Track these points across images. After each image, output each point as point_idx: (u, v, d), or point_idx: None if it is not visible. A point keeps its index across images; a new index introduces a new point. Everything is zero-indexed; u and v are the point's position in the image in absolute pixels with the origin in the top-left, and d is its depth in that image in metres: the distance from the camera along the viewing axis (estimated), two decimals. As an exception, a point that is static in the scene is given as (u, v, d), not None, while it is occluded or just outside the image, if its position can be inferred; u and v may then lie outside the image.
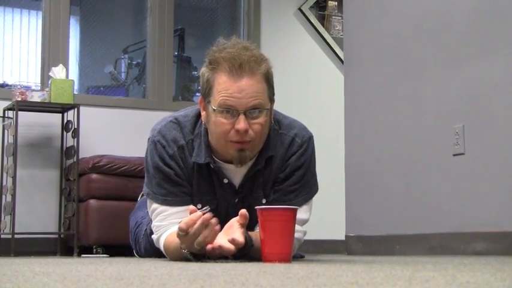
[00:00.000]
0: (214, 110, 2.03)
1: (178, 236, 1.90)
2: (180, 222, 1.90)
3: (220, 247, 1.88)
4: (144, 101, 5.18)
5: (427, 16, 3.33)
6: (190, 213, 1.90)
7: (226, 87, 2.01)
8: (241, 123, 2.00)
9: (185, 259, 1.97)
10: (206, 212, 1.89)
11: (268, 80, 2.07)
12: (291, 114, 2.34)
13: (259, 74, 2.03)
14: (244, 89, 2.00)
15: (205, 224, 1.86)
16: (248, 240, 2.01)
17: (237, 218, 1.93)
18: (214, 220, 1.88)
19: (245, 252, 2.00)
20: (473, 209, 2.96)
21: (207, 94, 2.07)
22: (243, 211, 1.92)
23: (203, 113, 2.12)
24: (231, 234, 1.91)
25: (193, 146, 2.16)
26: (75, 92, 4.53)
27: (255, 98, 2.01)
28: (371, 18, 3.75)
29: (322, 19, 5.69)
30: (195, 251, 1.92)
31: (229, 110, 2.01)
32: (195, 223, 1.86)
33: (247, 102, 2.01)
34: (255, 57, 2.03)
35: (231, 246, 1.88)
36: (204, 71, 2.08)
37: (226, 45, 2.05)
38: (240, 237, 1.89)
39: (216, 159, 2.15)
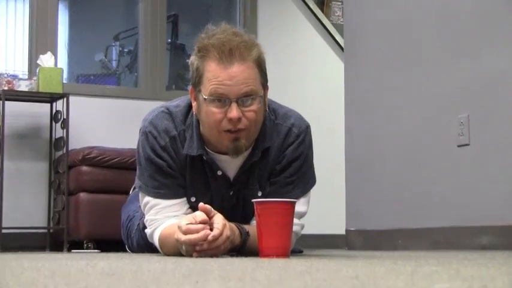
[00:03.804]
0: (205, 99, 2.03)
1: (179, 228, 1.92)
2: (185, 222, 1.92)
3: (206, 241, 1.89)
4: (136, 90, 5.17)
5: (432, 1, 3.33)
6: (201, 209, 1.92)
7: (216, 74, 2.01)
8: (234, 112, 2.00)
9: (180, 254, 1.97)
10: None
11: (260, 65, 2.06)
12: (289, 103, 2.34)
13: (250, 60, 2.02)
14: (235, 75, 2.00)
15: (204, 239, 1.88)
16: (243, 233, 2.02)
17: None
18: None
19: (243, 241, 2.01)
20: (479, 201, 2.97)
21: (197, 83, 2.07)
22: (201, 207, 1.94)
23: (194, 103, 2.12)
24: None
25: (185, 136, 2.16)
26: (64, 81, 4.52)
27: (246, 84, 2.01)
28: (372, 3, 3.75)
29: (322, 5, 5.68)
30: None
31: (220, 99, 2.01)
32: (197, 231, 1.88)
33: (239, 90, 2.01)
34: (245, 43, 2.03)
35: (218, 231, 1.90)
36: (193, 59, 2.08)
37: (216, 31, 2.05)
38: (217, 223, 1.91)
39: (209, 150, 2.15)
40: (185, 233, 1.90)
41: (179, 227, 1.92)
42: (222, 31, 2.05)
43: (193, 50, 2.10)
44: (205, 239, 1.88)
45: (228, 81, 2.00)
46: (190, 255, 1.93)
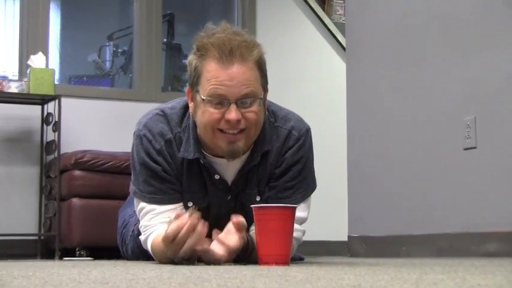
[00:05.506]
0: (203, 99, 2.03)
1: (164, 242, 1.89)
2: (165, 231, 1.89)
3: (210, 251, 1.88)
4: (131, 91, 5.17)
5: (436, 0, 3.33)
6: (177, 217, 1.88)
7: (215, 75, 2.00)
8: (233, 113, 2.00)
9: (174, 262, 1.97)
10: (192, 214, 1.87)
11: (261, 66, 2.06)
12: (289, 105, 2.34)
13: (251, 61, 2.02)
14: (235, 76, 2.00)
15: (192, 230, 1.85)
16: (250, 243, 2.01)
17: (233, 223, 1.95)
18: (200, 226, 1.86)
19: (247, 255, 2.01)
20: (485, 207, 2.97)
21: (195, 83, 2.06)
22: (237, 220, 1.92)
23: (191, 104, 2.12)
24: (227, 240, 1.92)
25: (181, 140, 2.16)
26: (56, 82, 4.52)
27: (247, 86, 2.01)
28: (375, 2, 3.75)
29: (323, 3, 5.68)
30: (183, 257, 1.92)
31: (219, 100, 2.01)
32: (180, 230, 1.85)
33: (238, 91, 2.01)
34: (247, 43, 2.02)
35: (222, 253, 1.90)
36: (191, 58, 2.08)
37: (216, 30, 2.05)
38: (234, 242, 1.91)
39: (206, 153, 2.15)
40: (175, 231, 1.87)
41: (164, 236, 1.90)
42: (222, 30, 2.04)
43: (191, 49, 2.10)
44: (193, 227, 1.84)
45: (228, 81, 2.00)
46: (178, 260, 1.91)
